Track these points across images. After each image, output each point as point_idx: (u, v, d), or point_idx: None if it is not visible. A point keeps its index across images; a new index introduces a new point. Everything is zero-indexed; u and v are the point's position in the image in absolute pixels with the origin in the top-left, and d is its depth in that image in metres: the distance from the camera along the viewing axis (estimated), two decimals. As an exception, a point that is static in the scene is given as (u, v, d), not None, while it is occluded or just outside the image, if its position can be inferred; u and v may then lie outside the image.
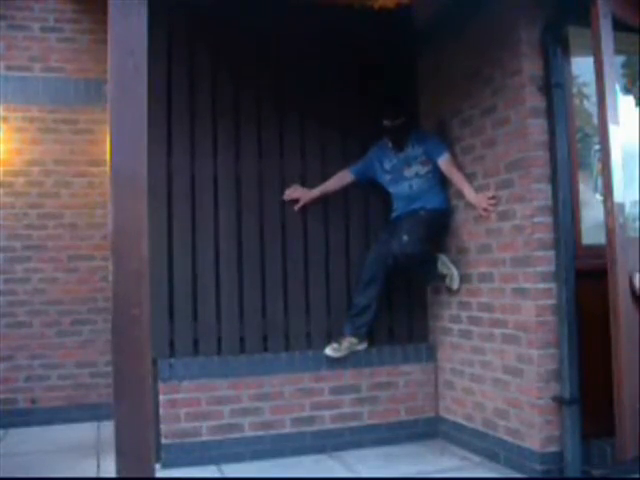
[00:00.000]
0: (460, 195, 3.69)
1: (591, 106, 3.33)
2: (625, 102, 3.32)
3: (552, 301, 3.16)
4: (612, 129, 2.78)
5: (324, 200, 3.95)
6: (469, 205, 3.64)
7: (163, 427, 3.46)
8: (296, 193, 3.87)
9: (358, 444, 3.75)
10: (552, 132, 3.17)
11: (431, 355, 4.00)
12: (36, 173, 4.65)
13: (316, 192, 3.89)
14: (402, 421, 3.88)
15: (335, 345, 3.75)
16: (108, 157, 1.99)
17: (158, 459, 3.37)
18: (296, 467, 3.45)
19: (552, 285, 3.17)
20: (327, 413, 3.75)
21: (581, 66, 3.31)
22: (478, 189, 3.55)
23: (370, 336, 3.88)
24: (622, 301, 2.72)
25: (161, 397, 3.46)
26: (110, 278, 1.97)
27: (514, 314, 3.30)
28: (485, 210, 3.48)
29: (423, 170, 3.80)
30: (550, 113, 3.16)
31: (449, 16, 3.72)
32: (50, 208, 4.65)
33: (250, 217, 3.80)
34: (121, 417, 1.94)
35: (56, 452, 3.79)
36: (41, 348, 4.54)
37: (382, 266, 3.78)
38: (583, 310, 3.12)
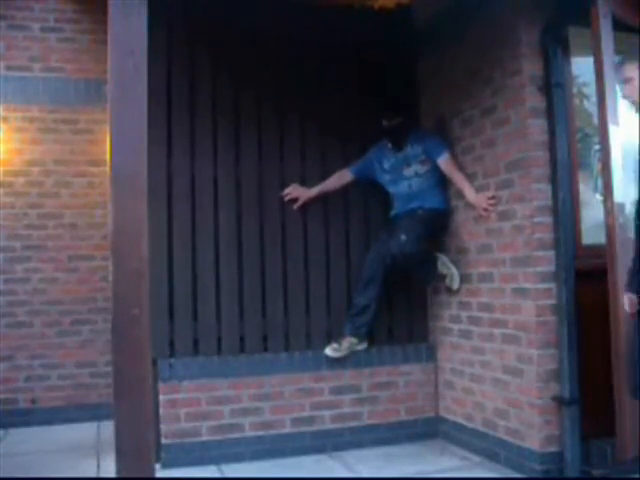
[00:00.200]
0: (460, 195, 3.69)
1: (591, 106, 3.33)
2: (625, 102, 3.32)
3: (552, 301, 3.17)
4: (612, 129, 2.79)
5: (324, 200, 3.94)
6: (469, 205, 3.64)
7: (163, 427, 3.45)
8: (295, 192, 3.87)
9: (358, 444, 3.75)
10: (552, 132, 3.17)
11: (431, 355, 4.00)
12: (36, 173, 4.65)
13: (315, 191, 3.89)
14: (402, 421, 3.88)
15: (335, 345, 3.75)
16: (108, 157, 1.99)
17: (158, 459, 3.36)
18: (296, 467, 3.45)
19: (552, 285, 3.17)
20: (327, 413, 3.75)
21: (581, 66, 3.30)
22: (478, 189, 3.55)
23: (370, 336, 3.88)
24: (622, 301, 2.72)
25: (161, 397, 3.46)
26: (110, 278, 1.97)
27: (514, 314, 3.30)
28: (485, 210, 3.48)
29: (422, 169, 3.80)
30: (550, 113, 3.16)
31: (449, 16, 3.72)
32: (50, 208, 4.65)
33: (250, 217, 3.80)
34: (121, 417, 1.94)
35: (56, 452, 3.79)
36: (41, 348, 4.54)
37: (381, 265, 3.78)
38: (583, 310, 3.12)
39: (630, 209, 2.79)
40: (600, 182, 3.11)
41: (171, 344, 3.60)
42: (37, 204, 4.63)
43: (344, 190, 3.97)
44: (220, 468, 3.46)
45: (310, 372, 3.74)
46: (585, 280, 3.12)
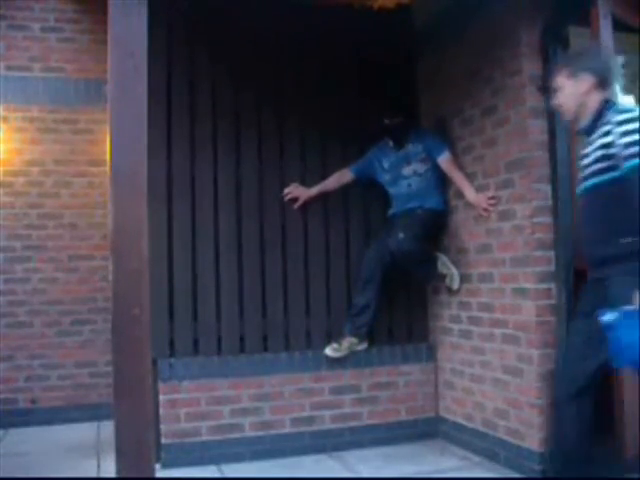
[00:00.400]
0: (460, 195, 3.70)
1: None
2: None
3: (552, 301, 3.17)
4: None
5: (324, 200, 3.95)
6: (469, 205, 3.64)
7: (163, 427, 3.46)
8: (296, 191, 3.87)
9: (358, 444, 3.75)
10: (552, 132, 3.17)
11: (431, 355, 4.00)
12: (36, 173, 4.65)
13: (315, 190, 3.89)
14: (402, 421, 3.88)
15: (335, 345, 3.75)
16: (108, 157, 1.99)
17: (158, 459, 3.36)
18: (296, 467, 3.45)
19: (552, 285, 3.17)
20: (327, 413, 3.75)
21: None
22: (478, 189, 3.55)
23: (370, 336, 3.87)
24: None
25: (161, 397, 3.46)
26: (110, 278, 1.97)
27: (514, 314, 3.30)
28: (485, 210, 3.49)
29: (422, 168, 3.80)
30: (550, 113, 3.15)
31: (449, 16, 3.72)
32: (50, 208, 4.66)
33: (250, 216, 3.80)
34: (121, 417, 1.95)
35: (56, 452, 3.79)
36: (41, 348, 4.55)
37: (380, 264, 3.77)
38: (583, 310, 3.12)
39: None
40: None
41: (171, 344, 3.60)
42: (37, 204, 4.63)
43: (344, 190, 3.97)
44: (220, 468, 3.46)
45: (310, 372, 3.74)
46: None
